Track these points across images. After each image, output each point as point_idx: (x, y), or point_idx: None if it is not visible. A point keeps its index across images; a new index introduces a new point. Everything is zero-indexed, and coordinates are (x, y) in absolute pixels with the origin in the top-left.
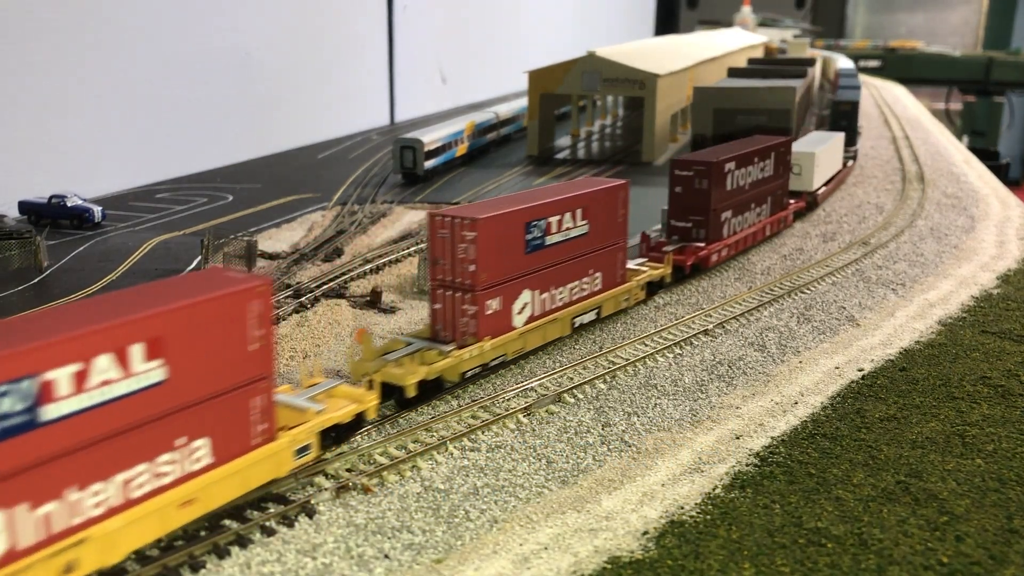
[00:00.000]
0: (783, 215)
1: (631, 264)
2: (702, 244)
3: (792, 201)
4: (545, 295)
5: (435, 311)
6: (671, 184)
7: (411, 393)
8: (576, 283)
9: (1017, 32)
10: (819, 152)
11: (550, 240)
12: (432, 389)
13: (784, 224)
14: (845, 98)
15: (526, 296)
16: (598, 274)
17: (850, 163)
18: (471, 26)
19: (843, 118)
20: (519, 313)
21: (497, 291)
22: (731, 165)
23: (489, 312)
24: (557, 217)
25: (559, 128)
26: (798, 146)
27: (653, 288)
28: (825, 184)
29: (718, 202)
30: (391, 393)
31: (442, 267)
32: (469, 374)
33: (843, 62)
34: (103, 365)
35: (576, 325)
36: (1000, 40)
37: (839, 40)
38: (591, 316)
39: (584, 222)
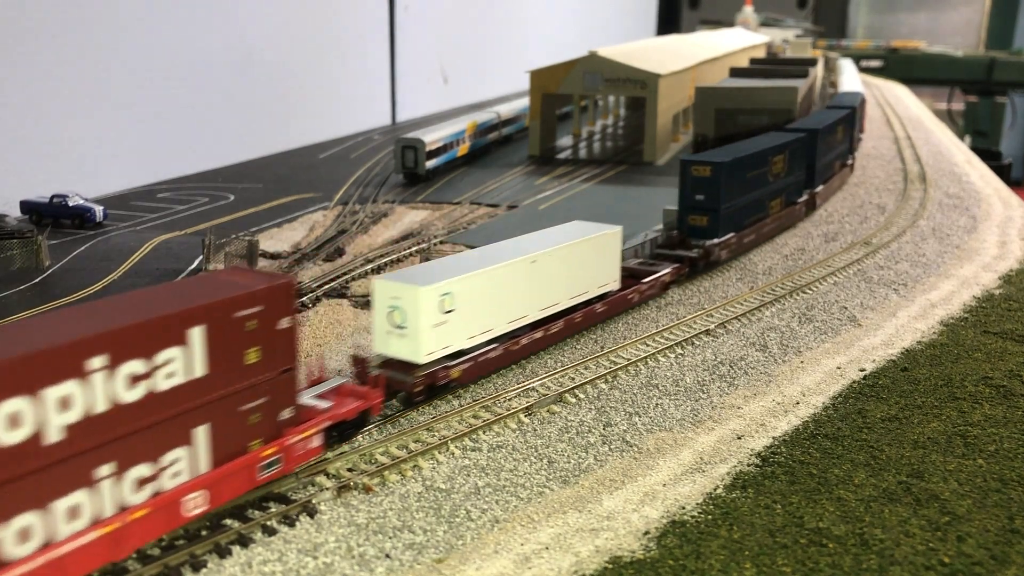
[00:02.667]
0: (244, 465)
1: None
2: None
3: (323, 413)
4: None
5: None
6: None
7: None
8: None
9: (1019, 32)
10: (453, 284)
11: None
12: None
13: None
14: (708, 157)
15: None
16: None
17: (662, 272)
18: (473, 26)
19: (699, 190)
20: None
21: None
22: None
23: None
24: None
25: (561, 128)
26: (414, 270)
27: None
28: (512, 339)
29: None
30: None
31: None
32: None
33: (847, 80)
34: None
35: None
36: (1002, 40)
37: (841, 40)
38: None
39: None
